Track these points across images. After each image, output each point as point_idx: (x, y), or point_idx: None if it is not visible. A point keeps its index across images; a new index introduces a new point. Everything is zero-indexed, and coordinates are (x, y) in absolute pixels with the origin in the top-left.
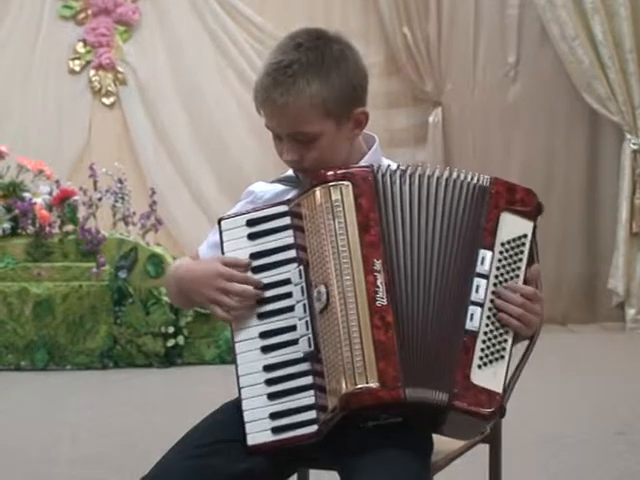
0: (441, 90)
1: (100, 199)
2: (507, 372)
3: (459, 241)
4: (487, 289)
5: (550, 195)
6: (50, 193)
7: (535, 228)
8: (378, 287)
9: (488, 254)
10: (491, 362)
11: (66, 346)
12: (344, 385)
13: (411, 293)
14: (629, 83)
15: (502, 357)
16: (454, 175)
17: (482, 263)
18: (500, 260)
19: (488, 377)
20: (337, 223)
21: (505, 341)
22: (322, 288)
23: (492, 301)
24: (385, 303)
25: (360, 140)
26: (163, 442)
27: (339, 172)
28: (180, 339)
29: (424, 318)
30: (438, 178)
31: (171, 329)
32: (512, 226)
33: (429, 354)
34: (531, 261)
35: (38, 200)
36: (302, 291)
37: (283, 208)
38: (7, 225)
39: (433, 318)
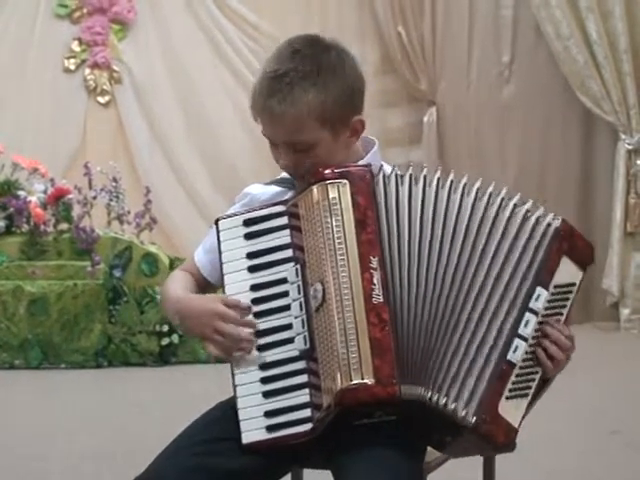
0: (436, 89)
1: (95, 198)
2: (526, 410)
3: (507, 265)
4: (534, 326)
5: (544, 194)
6: (45, 191)
7: (582, 280)
8: (374, 284)
9: (544, 293)
10: (516, 397)
11: (60, 345)
12: (339, 381)
13: (415, 291)
14: (624, 83)
15: (526, 394)
16: (512, 202)
17: (537, 300)
18: (549, 302)
19: (511, 410)
20: (334, 221)
21: (533, 380)
22: (318, 286)
23: (533, 338)
24: (381, 300)
25: (357, 145)
26: (158, 441)
27: (337, 170)
28: (174, 338)
29: (429, 317)
30: (465, 187)
31: (165, 328)
32: (566, 272)
33: (428, 352)
34: (570, 308)
35: (33, 198)
36: (298, 290)
37: (280, 208)
38: (1, 223)
39: (447, 323)
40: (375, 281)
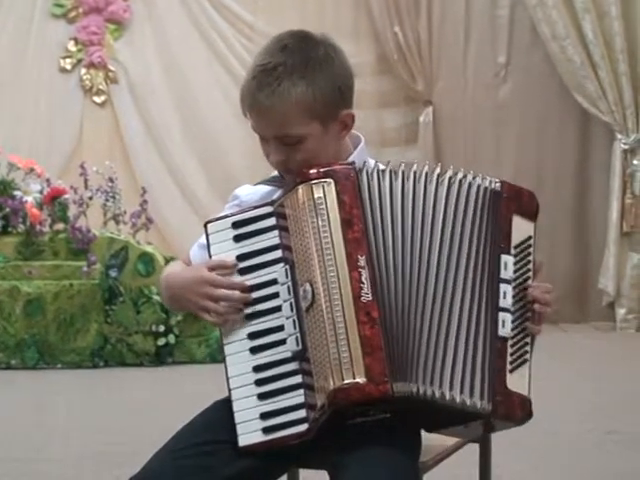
0: (432, 89)
1: (91, 198)
2: (530, 374)
3: (472, 243)
4: (511, 294)
5: (541, 195)
6: (41, 191)
7: (536, 227)
8: (363, 283)
9: (510, 259)
10: (518, 366)
11: (56, 345)
12: (331, 382)
13: (401, 288)
14: (620, 83)
15: (525, 361)
16: (459, 175)
17: (505, 269)
18: (515, 264)
19: (517, 381)
20: (320, 220)
21: (527, 344)
22: (307, 286)
23: (513, 305)
24: (370, 299)
25: (347, 140)
26: (153, 441)
27: (321, 170)
28: (171, 338)
29: (416, 312)
30: (439, 176)
31: (162, 328)
32: (520, 229)
33: (419, 347)
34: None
35: (29, 198)
36: (289, 290)
37: (268, 209)
38: None
39: (431, 313)
40: (363, 279)
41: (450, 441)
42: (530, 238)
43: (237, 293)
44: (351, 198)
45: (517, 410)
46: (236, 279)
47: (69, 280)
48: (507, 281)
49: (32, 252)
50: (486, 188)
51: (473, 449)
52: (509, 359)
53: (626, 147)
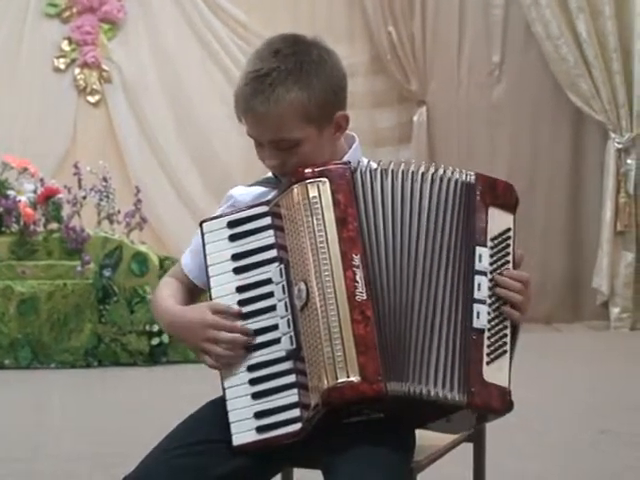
0: (426, 89)
1: (85, 197)
2: (510, 365)
3: (450, 237)
4: (487, 286)
5: (534, 194)
6: (35, 191)
7: (515, 220)
8: (357, 282)
9: (485, 251)
10: (496, 357)
11: (50, 344)
12: (325, 381)
13: (393, 287)
14: (613, 82)
15: (505, 352)
16: (440, 171)
17: (480, 260)
18: (492, 256)
19: (495, 372)
20: (315, 220)
21: (505, 335)
22: (302, 285)
23: (491, 297)
24: (365, 298)
25: (342, 140)
26: (147, 440)
27: (316, 170)
28: (164, 337)
29: (407, 311)
30: (423, 174)
31: (155, 327)
32: (498, 221)
33: (414, 348)
34: (514, 252)
35: (22, 198)
36: (283, 290)
37: (263, 209)
38: None
39: (419, 311)
40: (358, 278)
41: (444, 441)
42: (509, 230)
43: (240, 337)
44: (346, 197)
45: (495, 401)
46: (239, 324)
47: (63, 280)
48: (482, 273)
49: (26, 252)
50: (462, 182)
51: (467, 449)
52: (486, 350)
53: (620, 146)
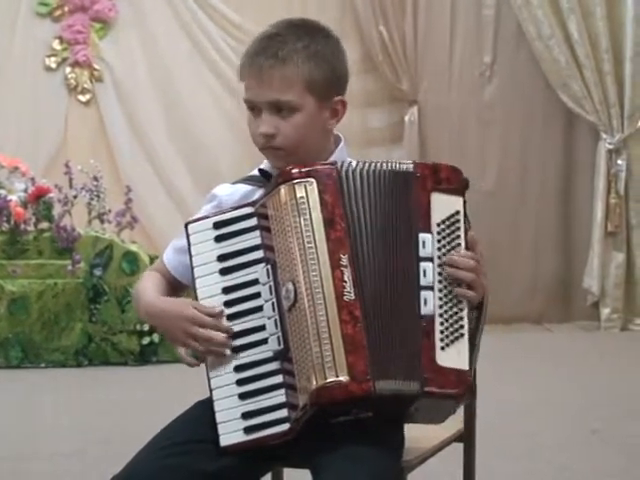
0: (417, 89)
1: (75, 196)
2: (470, 348)
3: (396, 229)
4: (434, 271)
5: (525, 194)
6: (25, 190)
7: (465, 202)
8: (345, 282)
9: (428, 237)
10: (452, 342)
11: (41, 344)
12: (314, 380)
13: (378, 286)
14: (605, 82)
15: (462, 335)
16: (376, 165)
17: (424, 247)
18: (439, 241)
19: (453, 357)
20: (302, 220)
21: (461, 318)
22: (290, 285)
23: (440, 282)
24: (353, 298)
25: (329, 147)
26: (138, 440)
27: (303, 170)
28: (155, 337)
29: (389, 310)
30: (360, 170)
31: (146, 327)
32: (444, 205)
33: (396, 346)
34: (465, 234)
35: (13, 197)
36: (270, 290)
37: (249, 210)
38: None
39: (395, 309)
40: (346, 278)
41: (434, 441)
42: (457, 213)
43: (221, 335)
44: (333, 198)
45: (452, 386)
46: (222, 324)
47: (53, 279)
48: (427, 259)
49: (16, 251)
50: (398, 172)
51: (457, 449)
52: (439, 336)
53: (611, 147)
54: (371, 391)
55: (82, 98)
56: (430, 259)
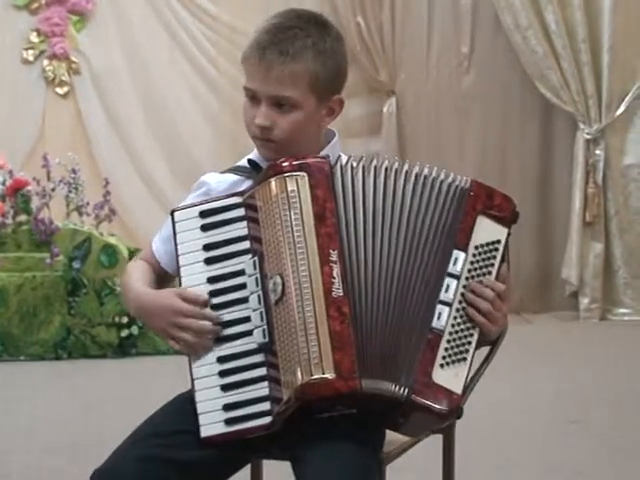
0: (395, 80)
1: (54, 189)
2: (468, 374)
3: (430, 238)
4: (457, 290)
5: (504, 185)
6: (3, 183)
7: (509, 235)
8: (334, 278)
9: (461, 255)
10: (453, 362)
11: (19, 337)
12: (300, 376)
13: (370, 284)
14: (582, 73)
15: (464, 359)
16: (433, 173)
17: (454, 263)
18: (472, 263)
19: (449, 377)
20: (293, 214)
21: (469, 343)
22: (277, 279)
23: (460, 302)
24: (341, 294)
25: (319, 141)
26: (118, 433)
27: (295, 163)
28: (134, 329)
29: (383, 309)
30: (407, 173)
31: (125, 319)
32: (487, 231)
33: (388, 346)
34: (500, 266)
35: None
36: (256, 282)
37: (237, 199)
38: None
39: (393, 309)
40: (335, 274)
41: None
42: (498, 242)
43: (208, 324)
44: (324, 192)
45: (438, 403)
46: (208, 312)
47: (32, 272)
48: (454, 276)
49: None
50: (455, 186)
51: (437, 439)
52: (442, 353)
53: (589, 137)
54: (357, 389)
55: (60, 91)
56: (457, 277)
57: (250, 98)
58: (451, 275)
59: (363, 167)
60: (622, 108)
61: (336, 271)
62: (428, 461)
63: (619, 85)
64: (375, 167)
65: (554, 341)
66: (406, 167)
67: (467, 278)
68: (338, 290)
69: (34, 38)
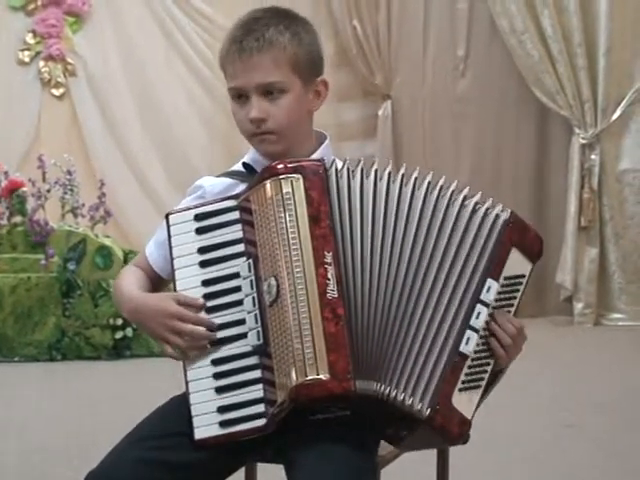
0: (391, 83)
1: (49, 190)
2: (478, 402)
3: (459, 260)
4: (485, 317)
5: (499, 189)
6: None
7: (532, 272)
8: (329, 279)
9: (495, 285)
10: (469, 389)
11: (14, 338)
12: (294, 377)
13: (368, 286)
14: (578, 77)
15: (479, 386)
16: (475, 198)
17: (488, 292)
18: (499, 293)
19: (463, 402)
20: (288, 216)
21: (485, 371)
22: (272, 281)
23: (485, 329)
24: (336, 296)
25: (312, 135)
26: (112, 435)
27: (290, 165)
28: (128, 331)
29: (380, 312)
30: (453, 193)
31: (119, 321)
32: (516, 264)
33: (383, 347)
34: (519, 301)
35: None
36: (251, 284)
37: (232, 203)
38: None
39: (395, 314)
40: (329, 276)
41: None
42: (523, 277)
43: (202, 329)
44: (319, 194)
45: (454, 426)
46: (203, 316)
47: (27, 273)
48: (485, 303)
49: None
50: (496, 214)
51: None
52: (462, 377)
53: (584, 141)
54: (351, 390)
55: (56, 92)
56: (487, 305)
57: (237, 98)
58: (483, 303)
59: (362, 170)
60: (618, 113)
61: (331, 273)
62: (422, 465)
63: (615, 90)
64: (376, 171)
65: (548, 346)
66: (465, 192)
67: (494, 307)
68: (333, 292)
69: (30, 39)
